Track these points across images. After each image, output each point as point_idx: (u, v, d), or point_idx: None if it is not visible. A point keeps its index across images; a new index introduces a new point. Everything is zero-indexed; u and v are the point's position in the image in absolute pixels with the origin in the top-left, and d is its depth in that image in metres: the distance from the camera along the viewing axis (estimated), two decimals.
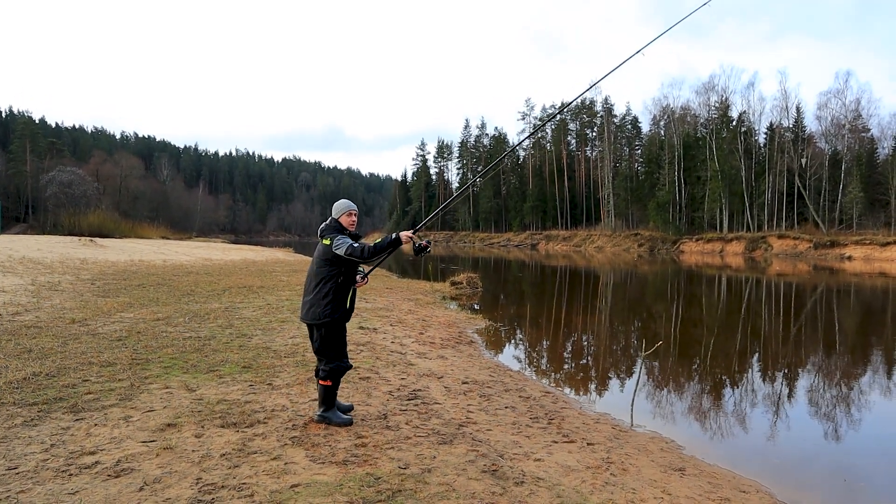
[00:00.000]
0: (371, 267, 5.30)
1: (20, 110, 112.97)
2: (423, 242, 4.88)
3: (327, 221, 4.93)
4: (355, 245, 4.64)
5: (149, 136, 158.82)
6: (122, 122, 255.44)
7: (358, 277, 4.99)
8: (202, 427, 4.68)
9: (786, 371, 9.95)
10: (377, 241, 4.69)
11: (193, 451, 4.19)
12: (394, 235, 4.71)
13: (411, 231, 4.84)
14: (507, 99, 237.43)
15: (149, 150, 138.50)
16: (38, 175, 77.78)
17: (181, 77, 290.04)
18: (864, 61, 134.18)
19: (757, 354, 11.25)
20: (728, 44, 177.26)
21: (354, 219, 4.93)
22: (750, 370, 10.03)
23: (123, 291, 13.73)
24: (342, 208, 4.94)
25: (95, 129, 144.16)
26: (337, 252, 4.68)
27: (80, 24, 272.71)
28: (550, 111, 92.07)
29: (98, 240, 36.19)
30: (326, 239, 4.77)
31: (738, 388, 8.83)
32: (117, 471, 3.81)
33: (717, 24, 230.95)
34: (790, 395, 8.44)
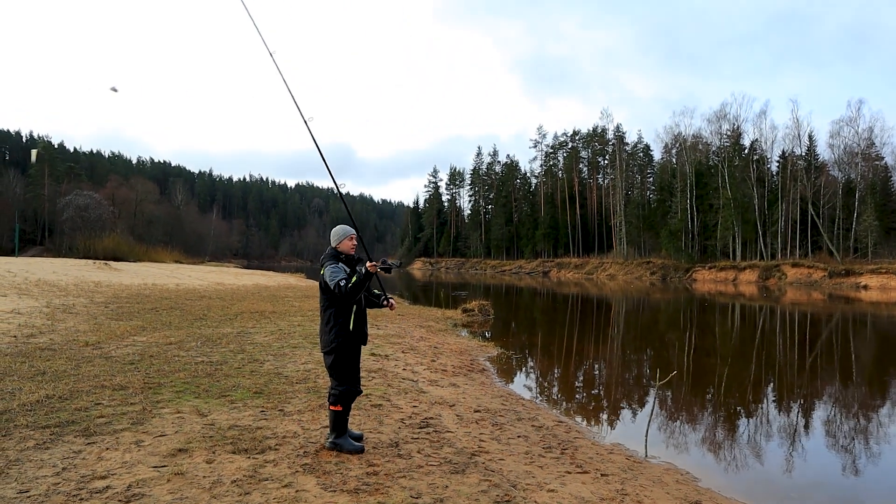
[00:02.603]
0: (382, 292, 5.40)
1: (40, 135, 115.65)
2: (387, 265, 5.04)
3: (327, 250, 5.07)
4: (342, 284, 4.73)
5: (164, 161, 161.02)
6: (138, 147, 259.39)
7: (385, 302, 5.22)
8: (213, 453, 4.67)
9: (802, 402, 9.78)
10: (353, 280, 4.75)
11: (204, 477, 4.18)
12: (364, 271, 4.82)
13: (369, 262, 4.90)
14: (519, 126, 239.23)
15: (164, 175, 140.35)
16: (56, 198, 78.93)
17: (198, 103, 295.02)
18: (865, 90, 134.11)
19: (772, 385, 11.08)
20: (728, 74, 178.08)
21: (354, 242, 5.06)
22: (765, 400, 9.87)
23: (136, 315, 13.82)
24: (339, 236, 5.06)
25: (112, 153, 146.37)
26: (328, 282, 4.81)
27: (99, 50, 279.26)
28: (562, 138, 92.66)
29: (112, 263, 36.55)
30: (323, 268, 4.91)
31: (753, 418, 8.69)
32: (128, 496, 3.80)
33: (715, 54, 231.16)
34: (807, 427, 8.28)
